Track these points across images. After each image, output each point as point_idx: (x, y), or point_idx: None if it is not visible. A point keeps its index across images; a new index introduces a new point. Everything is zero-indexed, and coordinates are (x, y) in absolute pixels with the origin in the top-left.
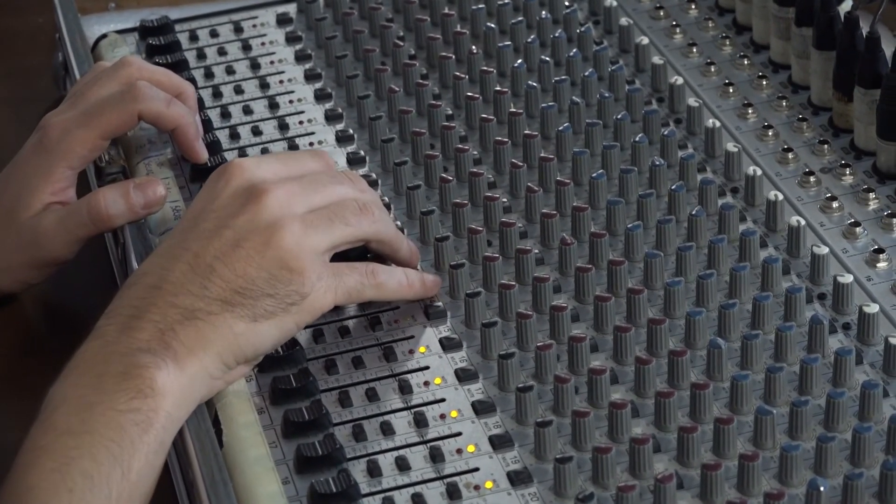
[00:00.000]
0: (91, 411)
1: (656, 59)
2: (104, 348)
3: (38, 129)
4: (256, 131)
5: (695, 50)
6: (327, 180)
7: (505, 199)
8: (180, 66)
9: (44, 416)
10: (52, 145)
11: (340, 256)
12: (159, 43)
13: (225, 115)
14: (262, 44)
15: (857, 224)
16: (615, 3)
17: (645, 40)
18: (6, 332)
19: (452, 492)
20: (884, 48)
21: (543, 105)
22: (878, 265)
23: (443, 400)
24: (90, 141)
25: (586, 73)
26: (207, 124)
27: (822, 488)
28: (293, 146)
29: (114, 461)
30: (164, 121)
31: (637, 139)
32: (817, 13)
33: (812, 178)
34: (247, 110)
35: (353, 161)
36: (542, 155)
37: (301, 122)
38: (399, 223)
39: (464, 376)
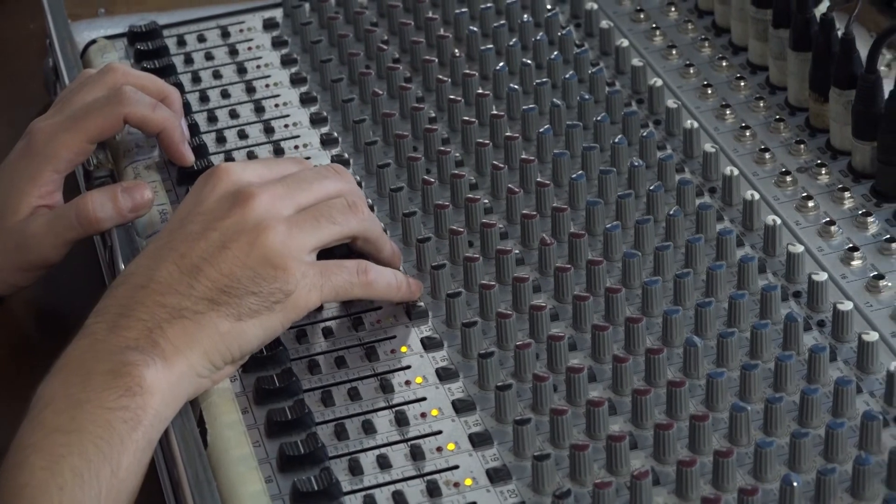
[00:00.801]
0: (80, 409)
1: (636, 62)
2: (93, 346)
3: (25, 134)
4: (242, 135)
5: (674, 52)
6: (313, 178)
7: (486, 201)
8: (168, 71)
9: (33, 414)
10: (39, 149)
11: (323, 254)
12: (147, 48)
13: (212, 118)
14: (249, 48)
15: (832, 223)
16: (595, 7)
17: (625, 43)
18: None
19: (432, 489)
20: (859, 49)
21: (525, 107)
22: (853, 263)
23: (423, 399)
24: (76, 144)
25: (567, 76)
26: (194, 128)
27: (795, 484)
28: (279, 149)
29: (103, 458)
30: (150, 124)
31: (616, 140)
32: (794, 15)
33: (788, 178)
34: (233, 114)
35: (338, 163)
36: (522, 157)
37: (286, 126)
38: (382, 224)
39: (444, 375)
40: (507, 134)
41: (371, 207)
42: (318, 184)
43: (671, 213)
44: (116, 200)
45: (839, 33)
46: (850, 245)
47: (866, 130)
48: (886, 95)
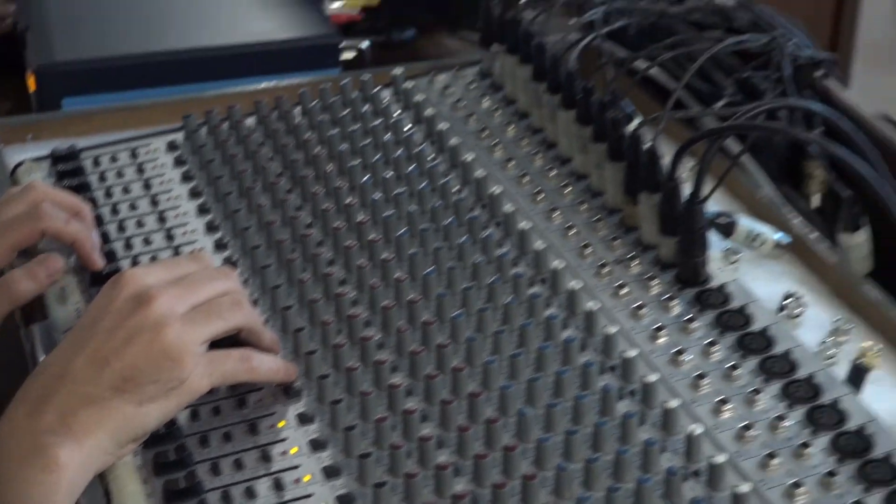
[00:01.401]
0: (4, 486)
1: (479, 173)
2: (15, 430)
3: None
4: (147, 241)
5: (511, 164)
6: (205, 279)
7: (352, 294)
8: (84, 188)
9: None
10: None
11: (214, 343)
12: (67, 168)
13: (121, 228)
14: (154, 167)
15: (642, 306)
16: (447, 126)
17: (470, 156)
18: None
19: None
20: (664, 158)
21: (385, 214)
22: (659, 341)
23: (298, 466)
24: (0, 252)
25: (421, 186)
26: (106, 236)
27: None
28: (178, 253)
29: None
30: (64, 236)
31: (462, 240)
32: (609, 131)
33: (606, 269)
34: (140, 224)
35: (228, 263)
36: (383, 256)
37: (185, 233)
38: (263, 317)
39: (316, 446)
40: (371, 237)
41: (255, 302)
42: (208, 284)
43: (508, 301)
44: (33, 272)
45: (647, 146)
46: (658, 325)
47: (670, 227)
48: (686, 198)
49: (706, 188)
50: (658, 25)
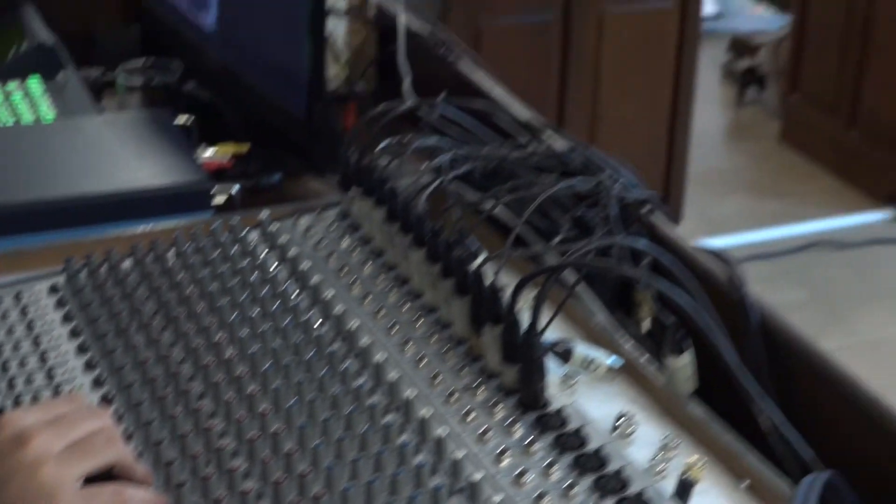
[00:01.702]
0: None
1: (338, 309)
2: None
3: None
4: (29, 381)
5: (369, 299)
6: (80, 419)
7: (221, 426)
8: None
9: None
10: None
11: (90, 477)
12: None
13: (5, 368)
14: (37, 309)
15: (487, 431)
16: (309, 265)
17: (331, 293)
18: None
19: None
20: (507, 290)
21: (252, 350)
22: (503, 463)
23: None
24: None
25: (286, 322)
26: None
27: None
28: (58, 391)
29: None
30: None
31: (323, 373)
32: (455, 268)
33: (454, 396)
34: (22, 364)
35: (105, 399)
36: (250, 390)
37: (65, 371)
38: (138, 450)
39: None
40: (239, 371)
41: (129, 437)
42: (83, 423)
43: (364, 430)
44: None
45: (489, 281)
46: (502, 448)
47: (511, 356)
48: (525, 328)
49: (545, 318)
50: (501, 169)
